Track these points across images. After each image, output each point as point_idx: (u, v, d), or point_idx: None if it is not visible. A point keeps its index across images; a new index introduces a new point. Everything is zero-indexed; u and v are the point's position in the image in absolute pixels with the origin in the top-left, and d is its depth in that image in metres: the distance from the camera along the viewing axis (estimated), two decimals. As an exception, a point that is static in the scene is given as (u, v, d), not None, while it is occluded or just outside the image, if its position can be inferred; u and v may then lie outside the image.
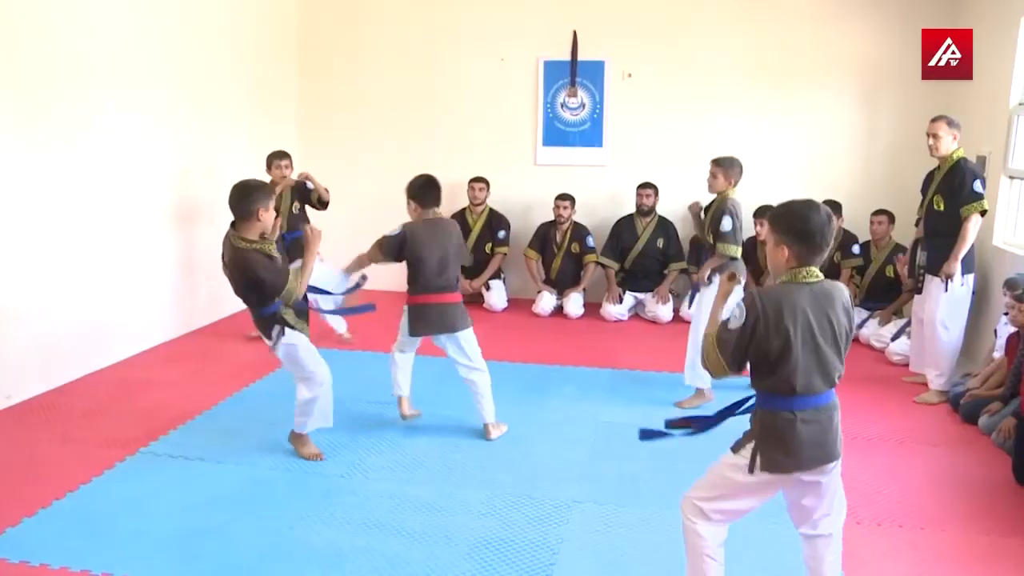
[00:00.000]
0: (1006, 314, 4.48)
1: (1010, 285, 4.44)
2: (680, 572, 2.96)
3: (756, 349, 2.31)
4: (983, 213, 4.64)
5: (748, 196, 6.85)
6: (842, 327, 2.35)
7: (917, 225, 5.14)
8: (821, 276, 2.36)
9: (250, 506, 3.38)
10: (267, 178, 5.50)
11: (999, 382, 4.51)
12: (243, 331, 5.75)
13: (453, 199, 7.31)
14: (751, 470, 2.36)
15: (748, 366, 2.39)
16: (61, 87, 4.63)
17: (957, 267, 4.66)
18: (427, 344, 5.62)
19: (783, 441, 2.34)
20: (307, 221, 5.60)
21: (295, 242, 5.53)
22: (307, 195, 5.67)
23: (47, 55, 4.52)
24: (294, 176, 5.76)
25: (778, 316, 2.27)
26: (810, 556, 2.54)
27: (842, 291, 2.40)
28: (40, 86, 4.49)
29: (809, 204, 2.34)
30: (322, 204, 5.72)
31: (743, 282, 4.28)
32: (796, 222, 2.32)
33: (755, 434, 2.39)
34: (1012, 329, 4.47)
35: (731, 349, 2.32)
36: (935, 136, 4.72)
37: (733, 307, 2.36)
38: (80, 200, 4.86)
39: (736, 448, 2.43)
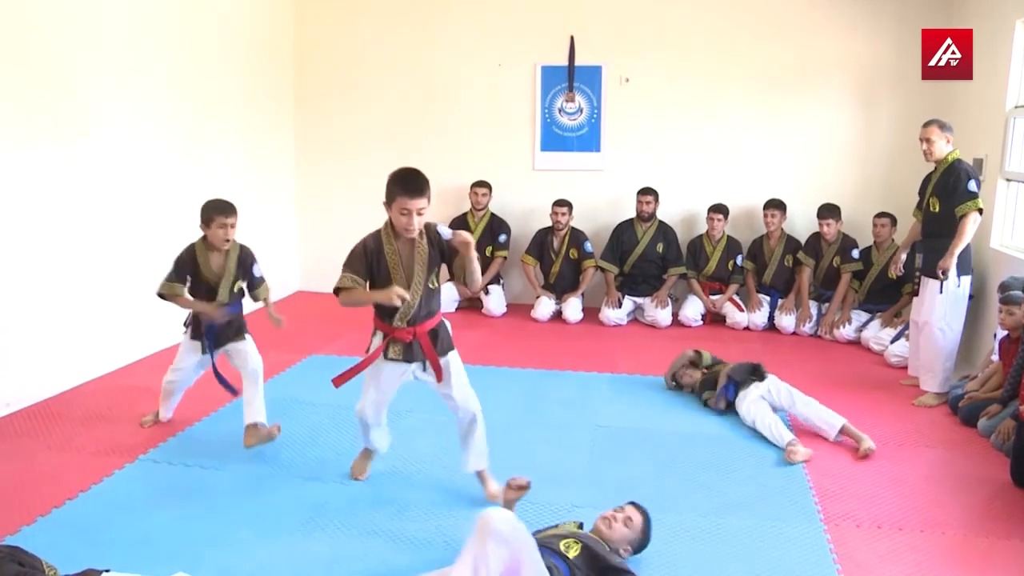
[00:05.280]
0: (1005, 317, 4.48)
1: (1001, 288, 4.44)
2: (681, 574, 2.97)
3: None
4: (980, 212, 4.65)
5: (747, 199, 6.92)
6: None
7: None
8: None
9: (249, 513, 3.37)
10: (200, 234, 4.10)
11: (998, 384, 4.51)
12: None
13: (453, 203, 7.32)
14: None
15: None
16: (57, 90, 4.63)
17: (952, 263, 4.64)
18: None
19: None
20: (241, 307, 4.15)
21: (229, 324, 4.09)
22: (253, 280, 4.13)
23: (28, 64, 4.51)
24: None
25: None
26: None
27: None
28: (32, 90, 4.49)
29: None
30: (253, 295, 4.17)
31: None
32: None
33: None
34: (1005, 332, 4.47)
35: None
36: (927, 141, 4.75)
37: None
38: (83, 205, 4.86)
39: None
